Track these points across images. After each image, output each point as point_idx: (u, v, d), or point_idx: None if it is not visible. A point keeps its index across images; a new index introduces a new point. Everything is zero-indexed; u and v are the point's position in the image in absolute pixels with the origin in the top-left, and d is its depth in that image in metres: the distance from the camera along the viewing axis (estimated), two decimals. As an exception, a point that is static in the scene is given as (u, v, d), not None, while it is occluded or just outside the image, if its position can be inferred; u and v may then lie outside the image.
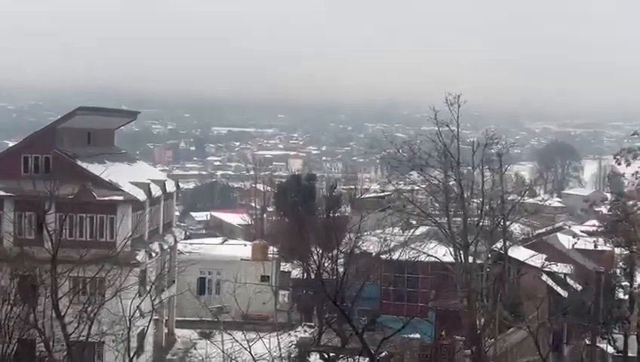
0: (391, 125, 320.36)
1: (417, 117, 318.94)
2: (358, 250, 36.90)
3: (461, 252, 33.10)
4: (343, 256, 38.49)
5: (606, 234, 47.34)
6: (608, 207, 44.56)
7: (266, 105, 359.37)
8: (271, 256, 51.46)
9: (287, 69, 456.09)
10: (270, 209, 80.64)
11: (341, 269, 35.84)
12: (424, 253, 36.07)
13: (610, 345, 46.92)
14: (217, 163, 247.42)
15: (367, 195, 64.91)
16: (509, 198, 35.63)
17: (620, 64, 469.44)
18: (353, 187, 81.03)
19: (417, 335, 36.96)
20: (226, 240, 61.77)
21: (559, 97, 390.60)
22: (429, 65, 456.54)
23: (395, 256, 39.70)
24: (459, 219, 34.27)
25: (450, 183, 34.10)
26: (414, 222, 37.32)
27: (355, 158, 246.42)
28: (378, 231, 40.52)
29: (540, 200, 46.46)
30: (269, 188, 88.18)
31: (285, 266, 53.56)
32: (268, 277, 48.08)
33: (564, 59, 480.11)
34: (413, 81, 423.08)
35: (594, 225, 69.23)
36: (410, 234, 37.97)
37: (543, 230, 62.35)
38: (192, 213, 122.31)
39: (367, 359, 28.35)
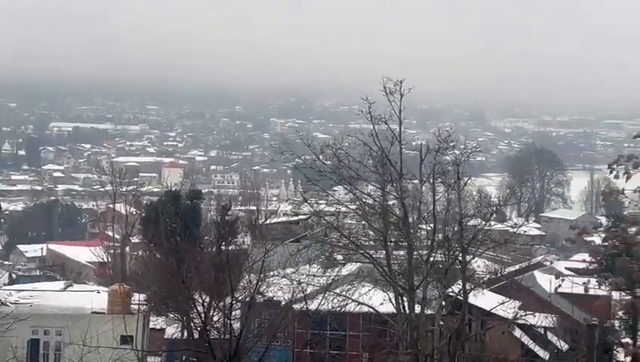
0: (308, 122, 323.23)
1: (344, 111, 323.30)
2: (261, 297, 36.74)
3: (405, 298, 33.46)
4: (240, 307, 38.32)
5: (600, 272, 48.91)
6: (603, 235, 45.99)
7: (129, 92, 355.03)
8: (136, 307, 50.78)
9: (163, 44, 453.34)
10: (135, 239, 79.54)
11: (237, 326, 35.61)
12: (354, 300, 36.30)
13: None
14: (58, 174, 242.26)
15: (274, 220, 64.99)
16: (469, 224, 36.28)
17: (619, 52, 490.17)
18: (255, 208, 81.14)
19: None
20: (70, 285, 60.44)
21: (537, 87, 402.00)
22: (361, 46, 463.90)
23: (314, 305, 39.80)
24: (402, 252, 34.65)
25: (390, 203, 34.47)
26: (340, 258, 37.53)
27: (257, 168, 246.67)
28: (289, 271, 40.53)
29: (512, 227, 47.34)
30: (133, 209, 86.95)
31: (157, 322, 52.88)
32: (132, 337, 47.32)
33: (538, 42, 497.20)
34: (340, 65, 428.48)
35: (584, 261, 71.66)
36: (334, 274, 38.14)
37: (516, 267, 63.89)
38: (20, 246, 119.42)
39: None
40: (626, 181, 33.56)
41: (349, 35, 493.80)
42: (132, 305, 50.86)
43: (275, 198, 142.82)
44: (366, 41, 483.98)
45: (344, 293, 36.57)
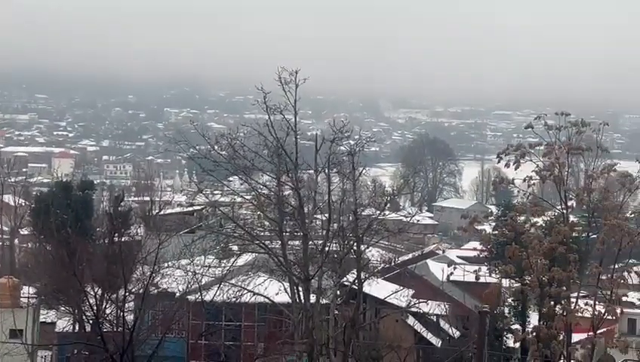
0: (202, 112, 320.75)
1: (238, 101, 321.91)
2: (155, 289, 36.39)
3: (300, 288, 33.56)
4: (134, 299, 37.86)
5: (490, 260, 50.09)
6: (493, 224, 47.15)
7: (17, 80, 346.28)
8: (25, 300, 49.82)
9: (52, 30, 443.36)
10: (25, 231, 77.98)
11: (130, 318, 35.17)
12: (249, 290, 36.23)
13: (495, 409, 49.63)
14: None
15: (168, 211, 64.41)
16: (364, 213, 36.57)
17: (507, 44, 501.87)
18: (148, 199, 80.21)
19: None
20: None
21: (430, 78, 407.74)
22: (255, 37, 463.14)
23: (209, 296, 39.59)
24: (297, 242, 34.73)
25: (286, 193, 34.50)
26: (236, 248, 37.41)
27: (150, 158, 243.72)
28: (184, 262, 40.23)
29: (406, 216, 48.00)
30: (22, 200, 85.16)
31: (47, 315, 51.92)
32: (21, 331, 46.45)
33: (430, 34, 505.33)
34: (235, 54, 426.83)
35: (475, 249, 73.21)
36: (229, 264, 38.00)
37: (410, 256, 64.93)
38: None
39: None
40: (515, 170, 34.45)
41: (244, 25, 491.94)
42: (21, 299, 49.88)
43: (169, 189, 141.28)
44: (260, 31, 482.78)
45: (239, 284, 36.47)
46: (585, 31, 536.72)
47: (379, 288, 43.20)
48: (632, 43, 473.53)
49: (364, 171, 37.43)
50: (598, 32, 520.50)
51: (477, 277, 41.36)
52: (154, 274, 35.29)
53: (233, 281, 36.89)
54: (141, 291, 34.83)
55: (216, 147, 34.30)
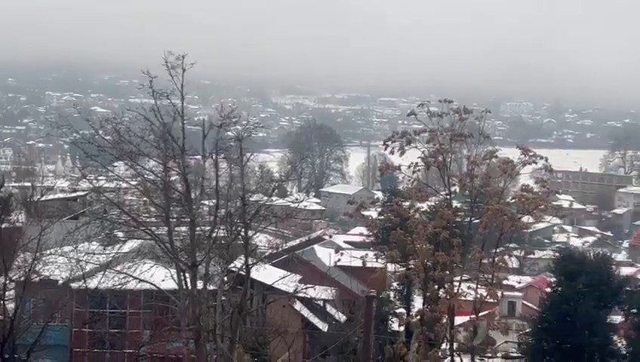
0: (86, 95, 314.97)
1: (123, 85, 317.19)
2: (37, 276, 35.78)
3: (187, 275, 33.46)
4: (15, 287, 37.14)
5: (376, 245, 50.78)
6: (379, 210, 47.84)
7: None
8: None
9: None
10: None
11: (11, 306, 34.53)
12: (135, 277, 35.90)
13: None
14: None
15: (50, 196, 63.16)
16: (252, 199, 36.66)
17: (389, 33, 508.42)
18: (29, 184, 78.51)
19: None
20: None
21: (317, 63, 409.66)
22: (141, 18, 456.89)
23: (93, 283, 39.11)
24: (184, 228, 34.59)
25: (173, 178, 34.29)
26: (121, 235, 37.00)
27: (31, 143, 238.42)
28: (67, 249, 39.60)
29: (293, 202, 48.29)
30: None
31: None
32: None
33: (318, 22, 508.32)
34: (121, 38, 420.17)
35: (361, 234, 74.10)
36: (115, 251, 37.59)
37: (297, 241, 65.37)
38: None
39: None
40: (401, 156, 35.06)
41: (128, 7, 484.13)
42: None
43: (51, 174, 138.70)
44: (146, 14, 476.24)
45: (125, 271, 36.09)
46: (467, 20, 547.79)
47: (266, 274, 43.38)
48: (511, 33, 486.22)
49: (251, 157, 37.46)
50: (480, 21, 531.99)
51: (363, 263, 42.02)
52: (36, 262, 34.68)
53: (118, 268, 36.49)
54: (22, 279, 34.19)
55: (100, 131, 33.73)
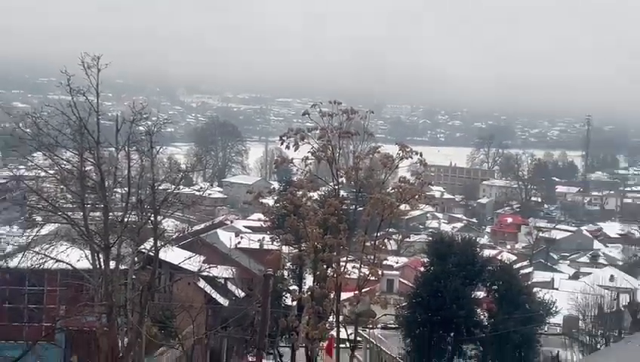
0: (7, 91, 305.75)
1: (42, 82, 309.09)
2: (-40, 256, 34.66)
3: (100, 255, 32.90)
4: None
5: (273, 230, 50.79)
6: (275, 198, 47.82)
7: None
8: None
9: None
10: None
11: None
12: (52, 258, 35.09)
13: (276, 360, 50.60)
14: None
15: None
16: (160, 188, 36.27)
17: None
18: (-47, 172, 75.91)
19: (41, 365, 36.15)
20: None
21: (220, 68, 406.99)
22: (61, 18, 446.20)
23: (13, 263, 38.08)
24: (98, 214, 34.00)
25: (88, 168, 33.66)
26: (39, 219, 36.16)
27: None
28: (-11, 232, 38.48)
29: (198, 190, 48.00)
30: None
31: None
32: None
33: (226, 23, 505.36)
34: (41, 39, 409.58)
35: (259, 220, 73.98)
36: (33, 234, 36.69)
37: (202, 226, 64.90)
38: None
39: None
40: (295, 151, 35.14)
41: (47, 8, 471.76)
42: None
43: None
44: (65, 14, 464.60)
45: (43, 252, 35.26)
46: (350, 29, 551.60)
47: (173, 255, 42.94)
48: (391, 42, 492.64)
49: (160, 150, 37.05)
50: (361, 31, 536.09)
51: (261, 245, 42.18)
52: (-41, 243, 33.59)
53: (37, 249, 35.64)
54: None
55: (20, 124, 33.00)
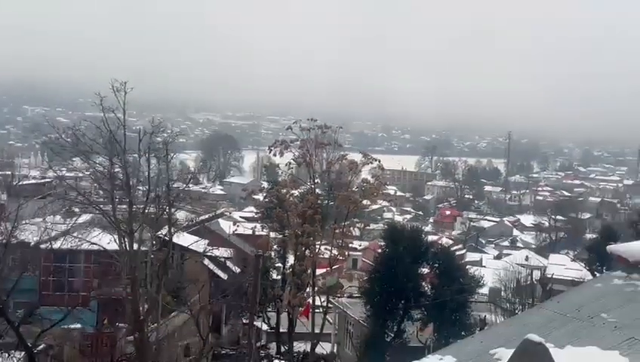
0: (52, 109, 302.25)
1: (81, 102, 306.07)
2: (14, 239, 34.23)
3: (126, 239, 32.68)
4: (-2, 247, 35.37)
5: (263, 220, 50.75)
6: (265, 194, 47.78)
7: None
8: None
9: None
10: None
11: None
12: (87, 241, 34.84)
13: (264, 322, 50.45)
14: None
15: (25, 182, 60.46)
16: (174, 186, 36.12)
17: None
18: (10, 173, 74.98)
19: (79, 326, 35.74)
20: None
21: (221, 90, 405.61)
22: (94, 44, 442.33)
23: (56, 245, 37.73)
24: (124, 206, 33.79)
25: (116, 170, 33.44)
26: (77, 210, 35.85)
27: (12, 143, 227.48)
28: (38, 220, 38.01)
29: (204, 188, 47.84)
30: None
31: None
32: None
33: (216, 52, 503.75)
34: (73, 60, 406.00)
35: (252, 212, 73.82)
36: (72, 222, 36.37)
37: (206, 216, 64.43)
38: None
39: (24, 353, 26.53)
40: (280, 157, 35.10)
41: (85, 37, 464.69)
42: None
43: (26, 166, 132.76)
44: (100, 41, 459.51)
45: (80, 236, 35.04)
46: (324, 55, 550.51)
47: (183, 239, 42.78)
48: (354, 62, 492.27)
49: (174, 156, 37.03)
50: (336, 57, 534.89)
51: (253, 232, 42.01)
52: (14, 229, 33.13)
53: (75, 234, 35.39)
54: (4, 241, 32.67)
55: (63, 135, 32.81)
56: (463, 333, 33.74)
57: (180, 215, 45.01)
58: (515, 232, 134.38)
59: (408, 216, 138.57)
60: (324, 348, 41.41)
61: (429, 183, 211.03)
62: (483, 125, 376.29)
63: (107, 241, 34.80)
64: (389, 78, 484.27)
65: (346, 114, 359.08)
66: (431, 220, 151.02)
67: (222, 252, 50.85)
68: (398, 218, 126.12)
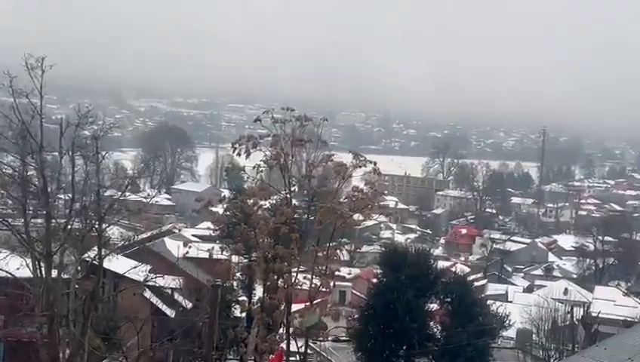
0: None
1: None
2: None
3: (42, 264, 32.46)
4: None
5: (222, 239, 50.62)
6: (225, 206, 47.59)
7: None
8: None
9: None
10: None
11: None
12: (-10, 266, 34.61)
13: (223, 373, 50.32)
14: None
15: None
16: (106, 194, 35.98)
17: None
18: None
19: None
20: None
21: (170, 71, 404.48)
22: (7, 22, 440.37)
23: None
24: (40, 220, 33.59)
25: (30, 173, 33.25)
26: (-23, 225, 35.60)
27: None
28: None
29: (145, 197, 47.68)
30: None
31: None
32: None
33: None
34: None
35: (209, 229, 73.57)
36: (-29, 241, 36.14)
37: (148, 234, 64.27)
38: None
39: None
40: (246, 158, 35.05)
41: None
42: None
43: None
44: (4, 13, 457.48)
45: (-19, 259, 34.74)
46: (303, 35, 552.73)
47: (118, 264, 42.60)
48: (346, 48, 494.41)
49: (106, 155, 36.88)
50: (319, 36, 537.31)
51: (210, 255, 41.94)
52: None
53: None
54: None
55: (-42, 127, 32.54)
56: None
57: (114, 232, 44.81)
58: (551, 257, 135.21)
59: (412, 236, 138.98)
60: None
61: (440, 193, 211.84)
62: (510, 119, 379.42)
63: (16, 266, 34.55)
64: (388, 58, 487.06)
65: (332, 103, 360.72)
66: (442, 241, 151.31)
67: (168, 281, 50.70)
68: (400, 238, 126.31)
